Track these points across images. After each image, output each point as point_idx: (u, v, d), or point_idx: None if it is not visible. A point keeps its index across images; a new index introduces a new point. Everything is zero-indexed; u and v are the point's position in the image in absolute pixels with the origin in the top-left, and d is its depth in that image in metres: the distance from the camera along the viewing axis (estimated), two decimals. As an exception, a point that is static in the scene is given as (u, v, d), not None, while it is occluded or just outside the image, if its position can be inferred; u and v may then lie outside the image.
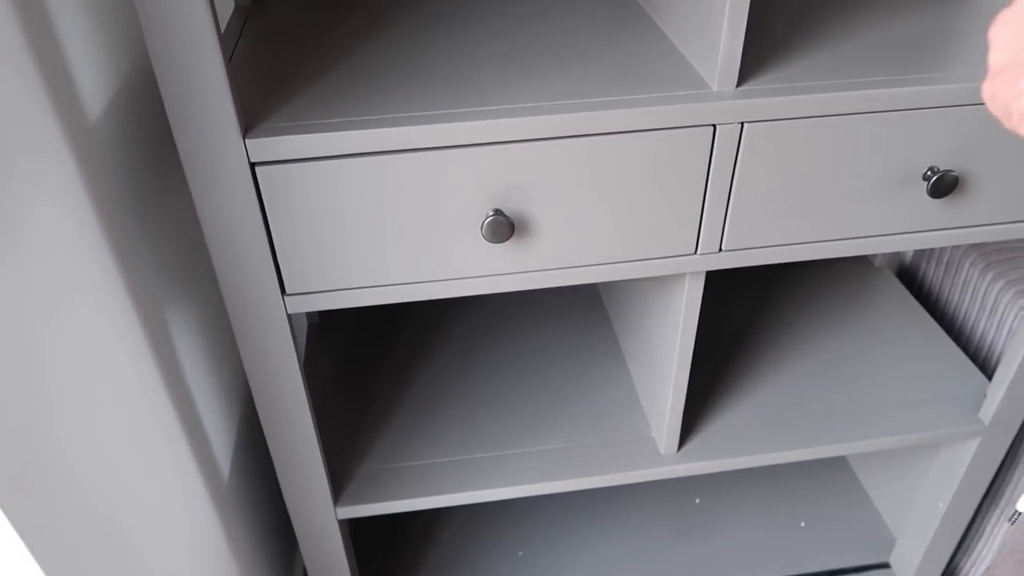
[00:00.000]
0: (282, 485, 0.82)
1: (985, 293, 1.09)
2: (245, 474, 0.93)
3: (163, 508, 0.66)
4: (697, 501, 1.27)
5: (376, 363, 1.06)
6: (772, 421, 0.95)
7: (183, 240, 0.80)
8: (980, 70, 0.68)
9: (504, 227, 0.65)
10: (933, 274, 1.21)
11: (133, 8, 0.71)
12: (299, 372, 0.73)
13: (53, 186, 0.53)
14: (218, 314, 0.89)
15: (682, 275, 0.76)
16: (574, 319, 1.12)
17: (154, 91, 0.76)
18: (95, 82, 0.62)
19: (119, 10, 0.68)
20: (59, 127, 0.55)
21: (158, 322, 0.70)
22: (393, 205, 0.64)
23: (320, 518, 0.86)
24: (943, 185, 0.70)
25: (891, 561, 1.18)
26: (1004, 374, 0.91)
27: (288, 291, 0.68)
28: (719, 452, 0.91)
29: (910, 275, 1.26)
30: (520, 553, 1.19)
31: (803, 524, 1.24)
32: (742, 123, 0.65)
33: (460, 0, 0.85)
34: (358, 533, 1.22)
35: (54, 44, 0.55)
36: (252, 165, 0.61)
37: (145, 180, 0.71)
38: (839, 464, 1.32)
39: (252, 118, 0.62)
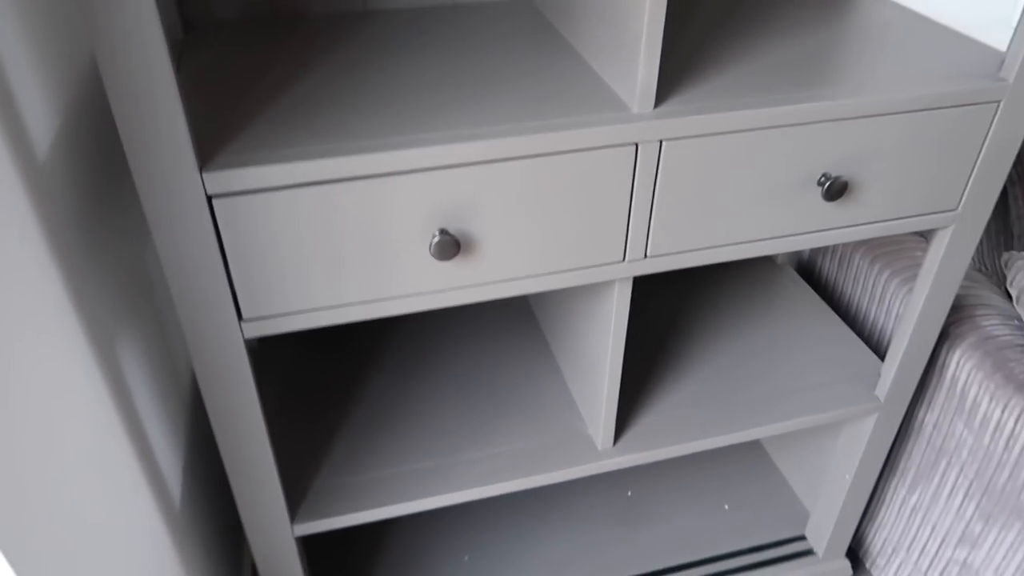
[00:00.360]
0: (239, 506, 0.84)
1: (874, 283, 1.21)
2: (195, 497, 0.94)
3: (117, 534, 0.68)
4: (629, 494, 1.34)
5: (319, 383, 1.08)
6: (695, 412, 1.03)
7: (129, 267, 0.81)
8: (860, 87, 0.77)
9: (450, 246, 0.69)
10: (828, 268, 1.33)
11: (73, 40, 0.73)
12: (255, 394, 0.75)
13: (4, 217, 0.54)
14: (162, 338, 0.90)
15: (612, 281, 0.82)
16: (507, 329, 1.17)
17: (98, 121, 0.77)
18: (41, 113, 0.63)
19: (60, 40, 0.70)
20: (9, 160, 0.56)
21: (108, 349, 0.71)
22: (345, 230, 0.68)
23: (277, 536, 0.88)
24: (834, 189, 0.79)
25: (806, 533, 1.29)
26: (894, 355, 1.02)
27: (245, 316, 0.70)
28: (651, 444, 0.98)
29: (808, 269, 1.38)
30: (466, 558, 1.23)
31: (727, 507, 1.33)
32: (661, 141, 0.72)
33: (387, 31, 0.89)
34: (309, 546, 1.23)
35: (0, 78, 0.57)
36: (209, 197, 0.63)
37: (93, 208, 0.72)
38: (755, 448, 1.43)
39: (205, 152, 0.65)
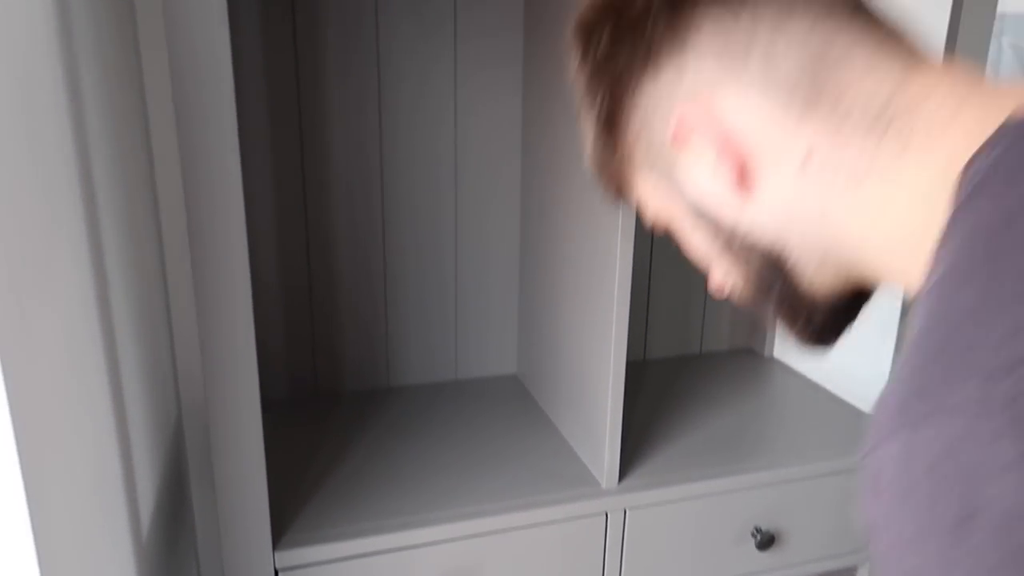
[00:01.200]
0: None
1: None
2: None
3: None
4: None
5: None
6: None
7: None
8: (775, 459, 1.01)
9: (462, 601, 0.87)
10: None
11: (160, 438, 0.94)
12: None
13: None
14: None
15: (592, 621, 0.98)
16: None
17: (172, 500, 0.96)
18: (148, 501, 0.83)
19: (151, 436, 0.91)
20: (130, 545, 0.75)
21: None
22: (381, 592, 0.85)
23: None
24: (765, 540, 0.99)
25: None
26: (844, 676, 1.15)
27: (291, 667, 0.85)
28: None
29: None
30: None
31: None
32: (625, 509, 0.93)
33: (407, 405, 1.13)
34: None
35: (130, 464, 0.77)
36: (276, 570, 0.81)
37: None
38: None
39: (274, 533, 0.84)
